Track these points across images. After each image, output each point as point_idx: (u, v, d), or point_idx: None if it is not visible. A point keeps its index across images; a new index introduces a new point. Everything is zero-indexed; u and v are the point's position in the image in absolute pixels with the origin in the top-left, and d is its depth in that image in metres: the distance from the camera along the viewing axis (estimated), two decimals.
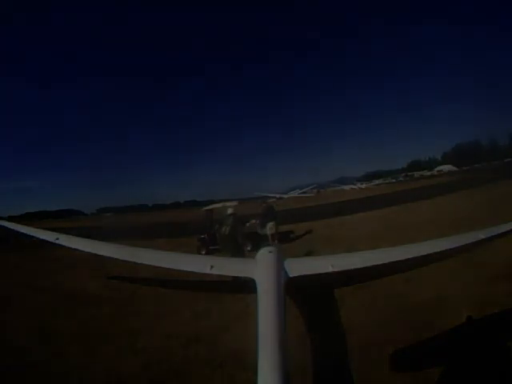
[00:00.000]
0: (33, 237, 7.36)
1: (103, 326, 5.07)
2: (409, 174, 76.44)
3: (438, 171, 68.67)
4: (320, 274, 4.96)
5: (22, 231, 7.66)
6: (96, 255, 6.31)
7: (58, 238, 6.87)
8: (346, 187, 63.12)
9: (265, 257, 4.89)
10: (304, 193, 52.80)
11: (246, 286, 4.66)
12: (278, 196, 46.48)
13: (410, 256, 5.05)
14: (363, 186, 62.78)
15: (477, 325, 4.12)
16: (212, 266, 5.17)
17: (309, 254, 8.23)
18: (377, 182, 71.12)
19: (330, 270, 4.83)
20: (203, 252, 10.13)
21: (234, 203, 11.95)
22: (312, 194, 52.51)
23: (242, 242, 7.20)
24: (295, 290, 4.75)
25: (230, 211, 7.97)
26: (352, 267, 4.96)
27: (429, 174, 68.99)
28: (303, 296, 5.22)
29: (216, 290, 6.18)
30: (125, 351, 4.27)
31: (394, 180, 71.51)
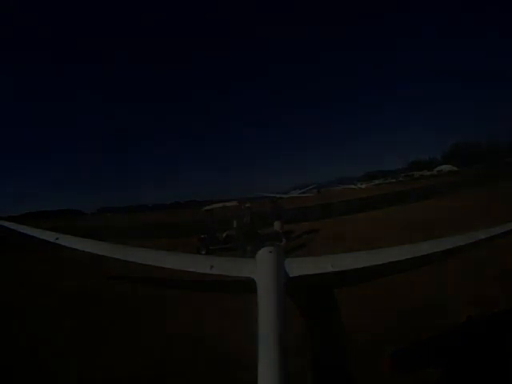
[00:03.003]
0: (33, 237, 7.37)
1: (103, 326, 5.07)
2: (409, 174, 76.39)
3: (438, 171, 68.62)
4: (320, 274, 4.95)
5: (22, 231, 7.66)
6: (96, 255, 6.31)
7: (57, 238, 6.87)
8: (342, 187, 63.34)
9: (265, 257, 4.88)
10: (304, 193, 52.79)
11: (246, 286, 4.67)
12: (278, 196, 46.39)
13: (409, 256, 5.03)
14: (363, 186, 62.79)
15: (477, 325, 4.12)
16: (212, 266, 5.17)
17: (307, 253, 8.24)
18: (377, 181, 71.13)
19: (330, 269, 4.83)
20: (203, 252, 10.12)
21: (234, 203, 11.98)
22: (312, 194, 52.51)
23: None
24: (295, 290, 4.75)
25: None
26: (352, 267, 4.95)
27: (429, 173, 68.94)
28: (303, 296, 5.21)
29: (216, 290, 6.18)
30: (125, 351, 4.28)
31: (393, 180, 71.46)
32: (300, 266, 4.81)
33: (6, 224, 8.30)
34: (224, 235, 11.28)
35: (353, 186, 62.58)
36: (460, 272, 5.84)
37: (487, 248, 6.18)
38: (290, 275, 4.49)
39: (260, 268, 4.59)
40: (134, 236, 16.54)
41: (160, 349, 4.28)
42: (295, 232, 12.70)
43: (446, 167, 70.05)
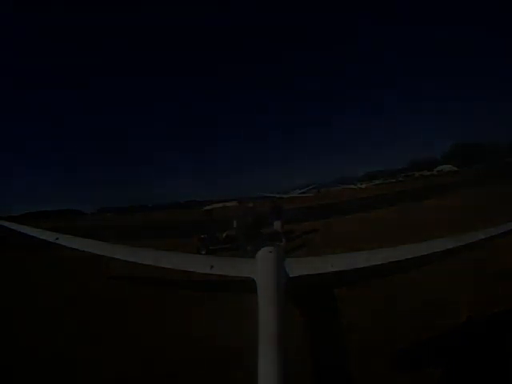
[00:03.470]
0: (33, 237, 7.37)
1: (103, 326, 5.07)
2: (409, 174, 76.50)
3: (438, 171, 68.75)
4: (320, 274, 4.95)
5: (22, 231, 7.66)
6: (96, 255, 6.31)
7: (57, 238, 6.87)
8: (342, 187, 63.45)
9: (265, 257, 4.88)
10: (304, 193, 52.74)
11: (246, 286, 4.66)
12: (277, 196, 46.35)
13: (409, 256, 5.03)
14: (363, 186, 62.84)
15: (477, 325, 4.12)
16: (212, 266, 5.17)
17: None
18: (377, 181, 71.24)
19: (330, 269, 4.83)
20: (203, 252, 10.11)
21: (234, 203, 11.98)
22: (312, 194, 52.48)
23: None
24: (295, 290, 4.75)
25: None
26: (352, 267, 4.95)
27: (429, 173, 69.07)
28: (303, 296, 5.21)
29: (216, 290, 6.18)
30: (125, 351, 4.28)
31: (393, 180, 71.54)
32: (300, 266, 4.81)
33: (6, 224, 8.30)
34: (224, 235, 11.28)
35: (353, 186, 62.62)
36: (460, 272, 5.84)
37: (487, 248, 6.18)
38: (290, 275, 4.49)
39: (260, 268, 4.59)
40: (135, 236, 16.56)
41: (160, 349, 4.27)
42: (295, 232, 12.70)
43: (445, 167, 70.22)
